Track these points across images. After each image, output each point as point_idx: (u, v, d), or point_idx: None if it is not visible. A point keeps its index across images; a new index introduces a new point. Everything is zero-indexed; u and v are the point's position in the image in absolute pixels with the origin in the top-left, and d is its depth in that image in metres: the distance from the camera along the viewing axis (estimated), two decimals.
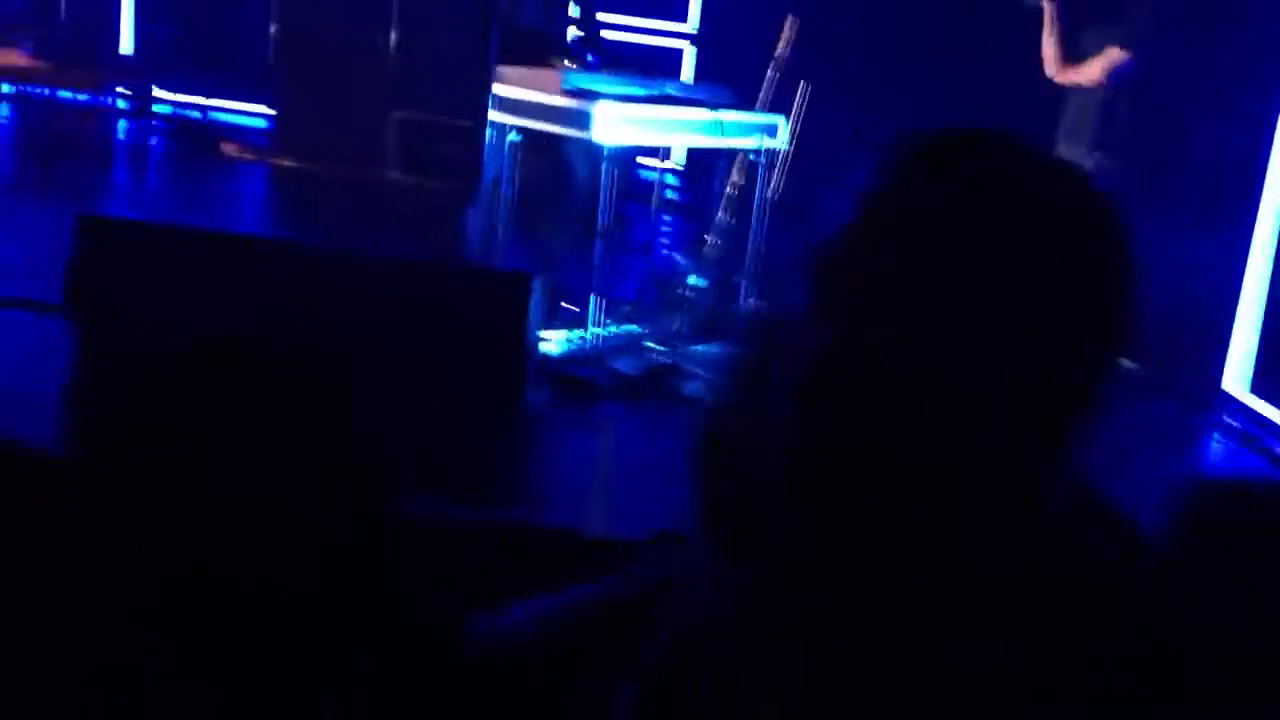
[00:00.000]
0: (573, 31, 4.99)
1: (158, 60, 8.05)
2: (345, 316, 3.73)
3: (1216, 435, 4.60)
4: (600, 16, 5.24)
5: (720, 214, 4.78)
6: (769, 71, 4.85)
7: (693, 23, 7.95)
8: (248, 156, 7.34)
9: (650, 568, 0.93)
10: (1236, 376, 4.85)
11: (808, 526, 0.73)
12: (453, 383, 3.63)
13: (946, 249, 0.69)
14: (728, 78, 4.92)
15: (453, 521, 2.91)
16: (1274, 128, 4.92)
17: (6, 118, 7.85)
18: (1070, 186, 0.75)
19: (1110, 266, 0.73)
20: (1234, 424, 4.63)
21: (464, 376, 3.67)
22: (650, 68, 5.26)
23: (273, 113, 7.17)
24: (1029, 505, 0.72)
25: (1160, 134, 5.08)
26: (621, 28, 7.15)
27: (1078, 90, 4.95)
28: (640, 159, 6.63)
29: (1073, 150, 4.93)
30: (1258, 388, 4.75)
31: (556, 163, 4.67)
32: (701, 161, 4.71)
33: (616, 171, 4.19)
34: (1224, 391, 4.82)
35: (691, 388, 4.02)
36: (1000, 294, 0.69)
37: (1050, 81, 5.04)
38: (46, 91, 7.53)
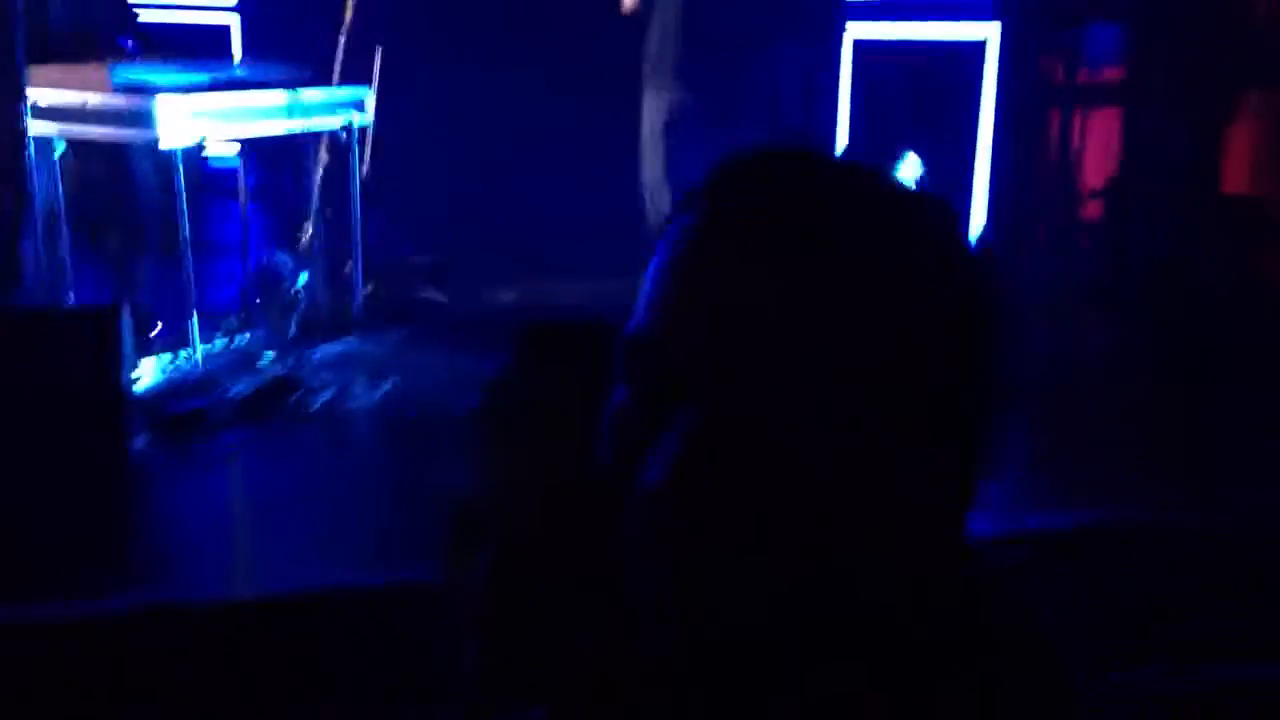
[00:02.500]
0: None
1: None
2: None
3: None
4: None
5: (315, 202, 4.39)
6: (340, 39, 4.47)
7: None
8: None
9: None
10: None
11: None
12: (38, 449, 3.09)
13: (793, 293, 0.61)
14: (287, 51, 4.49)
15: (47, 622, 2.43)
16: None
17: None
18: (913, 206, 0.66)
19: (965, 270, 0.65)
20: None
21: (50, 439, 3.13)
22: (199, 50, 4.75)
23: None
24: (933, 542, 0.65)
25: (728, 66, 5.16)
26: (156, 6, 6.45)
27: (651, 36, 4.94)
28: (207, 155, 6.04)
29: (654, 91, 4.94)
30: None
31: (116, 170, 4.09)
32: (282, 142, 4.28)
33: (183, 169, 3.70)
34: None
35: (323, 399, 3.66)
36: (870, 330, 0.61)
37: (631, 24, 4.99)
38: None
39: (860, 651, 0.62)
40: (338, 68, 4.43)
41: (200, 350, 3.84)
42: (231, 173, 4.64)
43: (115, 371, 3.25)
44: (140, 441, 3.39)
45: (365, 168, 4.44)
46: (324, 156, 4.45)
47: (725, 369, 0.61)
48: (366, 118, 4.34)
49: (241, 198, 4.50)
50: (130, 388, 3.43)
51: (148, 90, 3.66)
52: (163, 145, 3.62)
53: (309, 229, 4.36)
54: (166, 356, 3.82)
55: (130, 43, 4.36)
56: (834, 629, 0.62)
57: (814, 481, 0.60)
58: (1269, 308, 4.49)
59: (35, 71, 3.75)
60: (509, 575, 0.87)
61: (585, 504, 0.77)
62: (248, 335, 4.10)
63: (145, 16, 4.82)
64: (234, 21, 7.10)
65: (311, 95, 4.10)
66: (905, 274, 0.62)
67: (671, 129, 4.96)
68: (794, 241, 0.61)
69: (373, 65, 4.55)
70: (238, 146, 4.42)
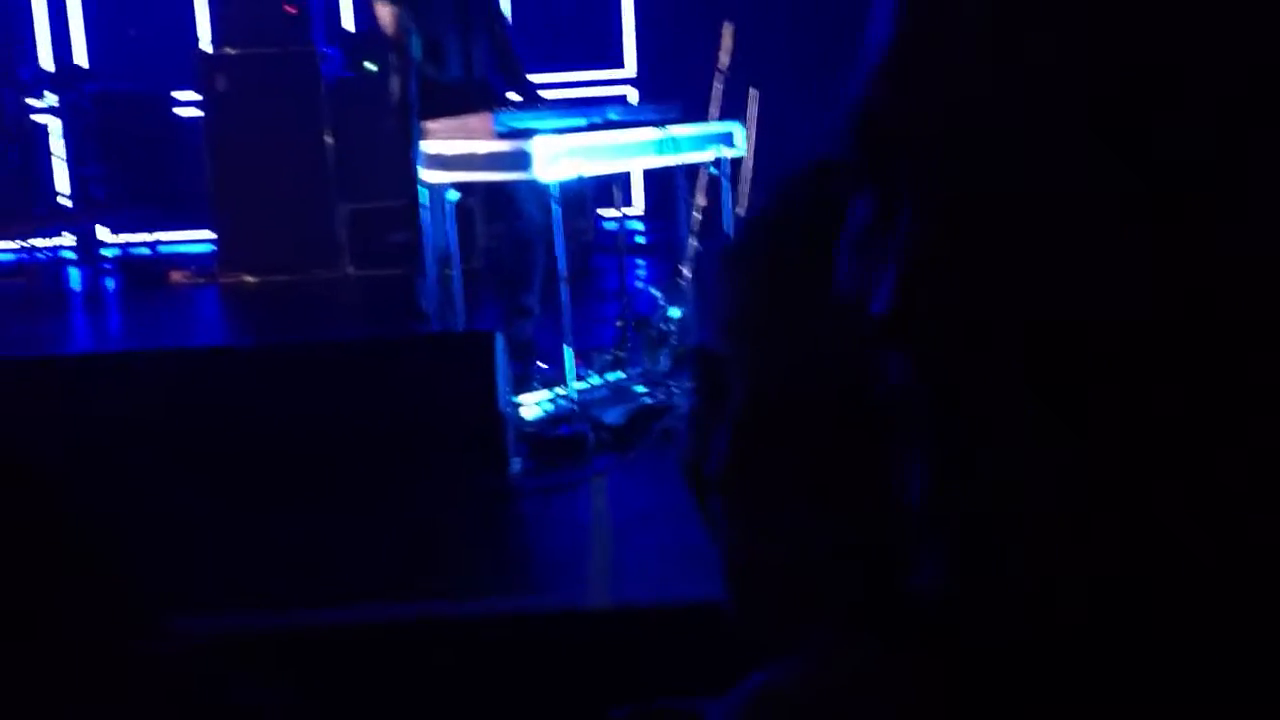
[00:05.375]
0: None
1: (96, 204, 7.78)
2: (294, 410, 3.37)
3: None
4: (534, 78, 4.96)
5: (690, 240, 4.44)
6: (714, 84, 4.54)
7: (630, 66, 7.69)
8: (196, 280, 7.06)
9: None
10: None
11: None
12: (425, 463, 3.26)
13: None
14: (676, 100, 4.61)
15: (447, 618, 2.54)
16: None
17: None
18: None
19: None
20: None
21: (436, 454, 3.29)
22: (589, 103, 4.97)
23: (214, 236, 6.96)
24: None
25: None
26: (558, 85, 6.89)
27: None
28: (600, 210, 6.34)
29: None
30: None
31: (504, 214, 4.34)
32: (662, 199, 4.39)
33: (562, 211, 3.84)
34: None
35: None
36: None
37: None
38: None
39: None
40: (713, 108, 4.49)
41: (576, 383, 3.93)
42: (616, 234, 4.79)
43: (493, 393, 3.38)
44: (518, 464, 3.50)
45: (740, 203, 4.44)
46: (699, 198, 4.50)
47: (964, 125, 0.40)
48: (737, 150, 4.35)
49: (620, 250, 4.63)
50: (509, 412, 3.56)
51: (526, 134, 3.85)
52: (539, 179, 3.79)
53: (685, 269, 4.41)
54: (546, 390, 3.96)
55: (519, 94, 4.63)
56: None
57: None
58: None
59: (428, 126, 4.05)
60: (756, 442, 0.69)
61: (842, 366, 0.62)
62: (622, 373, 4.17)
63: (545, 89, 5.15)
64: (628, 91, 7.44)
65: (681, 131, 4.16)
66: None
67: None
68: None
69: (750, 105, 4.58)
70: (623, 210, 4.56)
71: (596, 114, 4.14)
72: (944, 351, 0.40)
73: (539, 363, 4.21)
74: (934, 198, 0.41)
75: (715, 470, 0.64)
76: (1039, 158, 0.39)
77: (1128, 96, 0.38)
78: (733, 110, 4.54)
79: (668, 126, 4.13)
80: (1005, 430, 0.39)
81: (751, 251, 0.74)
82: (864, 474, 0.62)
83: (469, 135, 3.96)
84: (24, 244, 7.59)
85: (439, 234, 4.13)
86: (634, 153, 4.11)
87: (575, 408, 3.83)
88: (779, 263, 0.71)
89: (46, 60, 8.06)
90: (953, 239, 0.40)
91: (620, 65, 7.70)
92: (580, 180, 4.06)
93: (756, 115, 4.58)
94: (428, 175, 4.06)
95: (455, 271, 4.12)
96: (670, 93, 6.04)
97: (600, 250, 6.06)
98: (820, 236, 0.68)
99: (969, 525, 0.40)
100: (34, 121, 7.91)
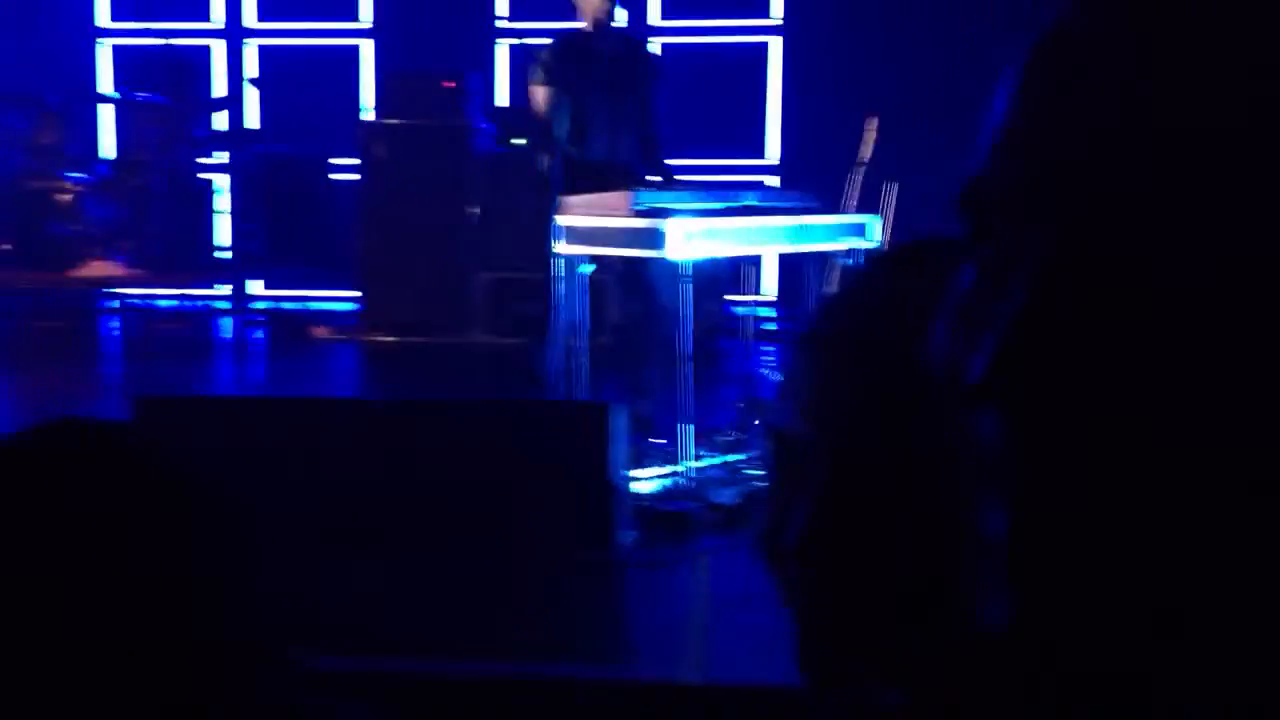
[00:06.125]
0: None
1: (252, 258, 8.14)
2: (415, 463, 3.46)
3: None
4: (679, 162, 5.07)
5: None
6: (851, 175, 4.58)
7: (773, 154, 7.78)
8: (338, 337, 7.31)
9: None
10: None
11: None
12: (535, 525, 3.31)
13: None
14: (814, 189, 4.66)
15: (539, 679, 2.57)
16: None
17: (116, 328, 7.97)
18: None
19: None
20: None
21: (547, 517, 3.34)
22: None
23: (359, 294, 7.21)
24: None
25: None
26: (701, 169, 7.01)
27: None
28: (729, 296, 6.39)
29: None
30: None
31: (636, 292, 4.42)
32: (793, 287, 4.42)
33: (692, 291, 3.90)
34: None
35: None
36: None
37: None
38: (142, 299, 7.63)
39: None
40: (847, 199, 4.53)
41: (692, 462, 3.95)
42: (744, 318, 4.83)
43: (605, 463, 3.42)
44: (628, 536, 3.53)
45: None
46: (831, 288, 4.52)
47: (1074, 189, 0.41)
48: (871, 243, 4.36)
49: (747, 335, 4.66)
50: (622, 484, 3.59)
51: (662, 214, 3.93)
52: (671, 258, 3.86)
53: None
54: (663, 466, 3.98)
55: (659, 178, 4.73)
56: None
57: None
58: None
59: (568, 200, 4.17)
60: (836, 515, 0.73)
61: (921, 436, 0.65)
62: (740, 455, 4.17)
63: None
64: (769, 180, 7.51)
65: (816, 220, 4.20)
66: None
67: None
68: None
69: (885, 197, 4.60)
70: (754, 295, 4.60)
71: (733, 198, 4.21)
72: (1033, 416, 0.42)
73: (658, 439, 4.24)
74: (1044, 266, 0.42)
75: (792, 542, 0.67)
76: (1164, 233, 0.41)
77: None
78: (870, 202, 4.57)
79: (803, 215, 4.17)
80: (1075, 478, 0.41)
81: (828, 335, 0.77)
82: (934, 534, 0.64)
83: (607, 211, 4.06)
84: (183, 292, 7.98)
85: (570, 306, 4.22)
86: (767, 238, 4.16)
87: (689, 485, 3.85)
88: (855, 346, 0.74)
89: (220, 121, 8.52)
90: (1059, 308, 0.41)
91: (762, 155, 7.79)
92: (713, 263, 4.11)
93: (894, 208, 4.60)
94: (563, 248, 4.17)
95: (581, 343, 4.20)
96: (810, 182, 6.10)
97: (728, 334, 6.11)
98: (898, 317, 0.71)
99: (1040, 563, 0.42)
100: (203, 180, 8.35)
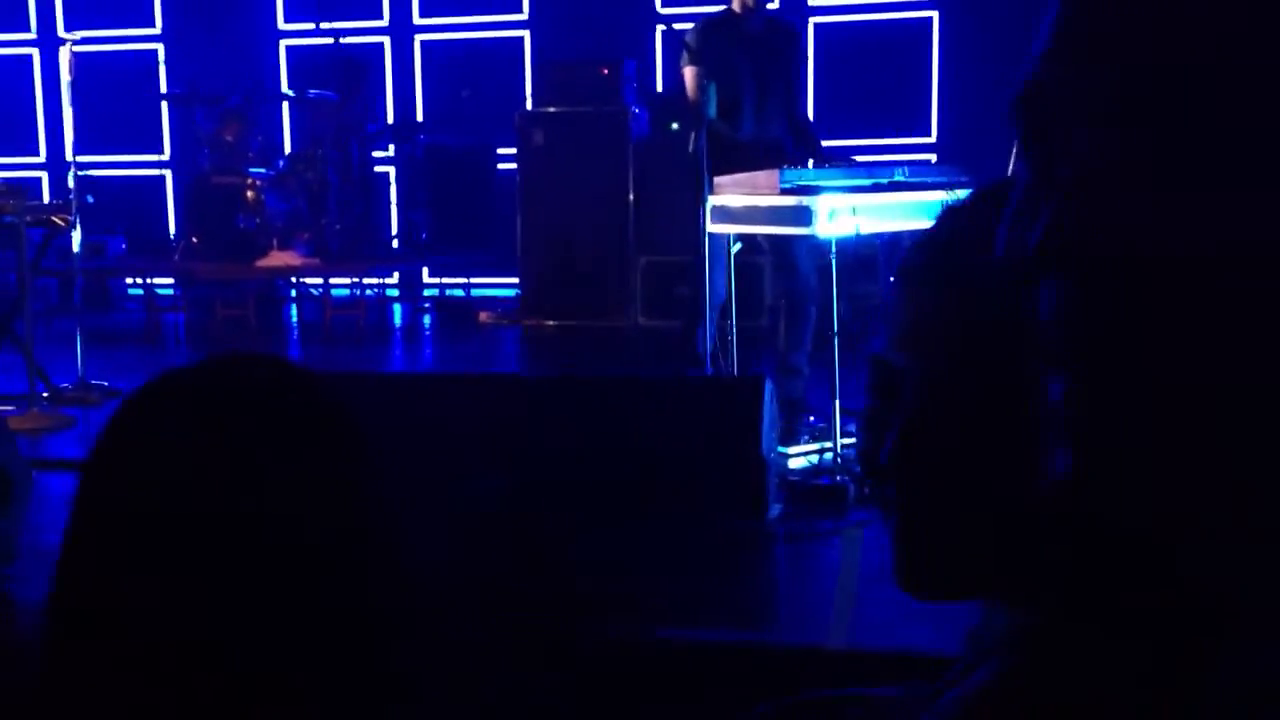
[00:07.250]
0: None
1: (420, 247, 8.43)
2: (574, 436, 3.57)
3: None
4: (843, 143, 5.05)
5: None
6: (1014, 149, 4.49)
7: (935, 133, 7.67)
8: (501, 321, 7.52)
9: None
10: None
11: None
12: (688, 498, 3.38)
13: None
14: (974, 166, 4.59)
15: (694, 644, 2.63)
16: None
17: (295, 318, 8.37)
18: None
19: None
20: None
21: (700, 490, 3.41)
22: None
23: (520, 281, 7.41)
24: None
25: None
26: (864, 148, 6.95)
27: None
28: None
29: None
30: None
31: (784, 271, 4.44)
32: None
33: (845, 272, 3.90)
34: None
35: None
36: None
37: None
38: (320, 287, 7.98)
39: None
40: (1012, 170, 4.44)
41: (842, 439, 3.96)
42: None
43: (757, 437, 3.46)
44: (778, 509, 3.57)
45: None
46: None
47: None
48: None
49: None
50: (773, 459, 3.63)
51: (811, 191, 3.94)
52: (818, 235, 3.87)
53: None
54: (814, 444, 4.00)
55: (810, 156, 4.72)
56: None
57: None
58: None
59: (718, 181, 4.21)
60: (924, 434, 0.76)
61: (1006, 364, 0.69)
62: None
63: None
64: (931, 158, 7.40)
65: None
66: None
67: None
68: None
69: None
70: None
71: (883, 174, 4.19)
72: (1083, 283, 0.48)
73: (809, 417, 4.26)
74: (1090, 153, 0.48)
75: (887, 460, 0.72)
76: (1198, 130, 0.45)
77: None
78: None
79: (955, 190, 4.12)
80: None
81: (920, 269, 0.81)
82: (1011, 441, 0.68)
83: (755, 190, 4.09)
84: (358, 281, 8.32)
85: (719, 285, 4.27)
86: (917, 214, 4.11)
87: (839, 462, 3.86)
88: (945, 278, 0.78)
89: (389, 115, 8.84)
90: (1103, 186, 0.47)
91: (929, 133, 7.69)
92: (871, 243, 4.09)
93: None
94: (713, 227, 4.22)
95: (732, 322, 4.24)
96: (971, 159, 5.99)
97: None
98: (984, 250, 0.74)
99: (1098, 423, 0.48)
100: (374, 172, 8.67)
